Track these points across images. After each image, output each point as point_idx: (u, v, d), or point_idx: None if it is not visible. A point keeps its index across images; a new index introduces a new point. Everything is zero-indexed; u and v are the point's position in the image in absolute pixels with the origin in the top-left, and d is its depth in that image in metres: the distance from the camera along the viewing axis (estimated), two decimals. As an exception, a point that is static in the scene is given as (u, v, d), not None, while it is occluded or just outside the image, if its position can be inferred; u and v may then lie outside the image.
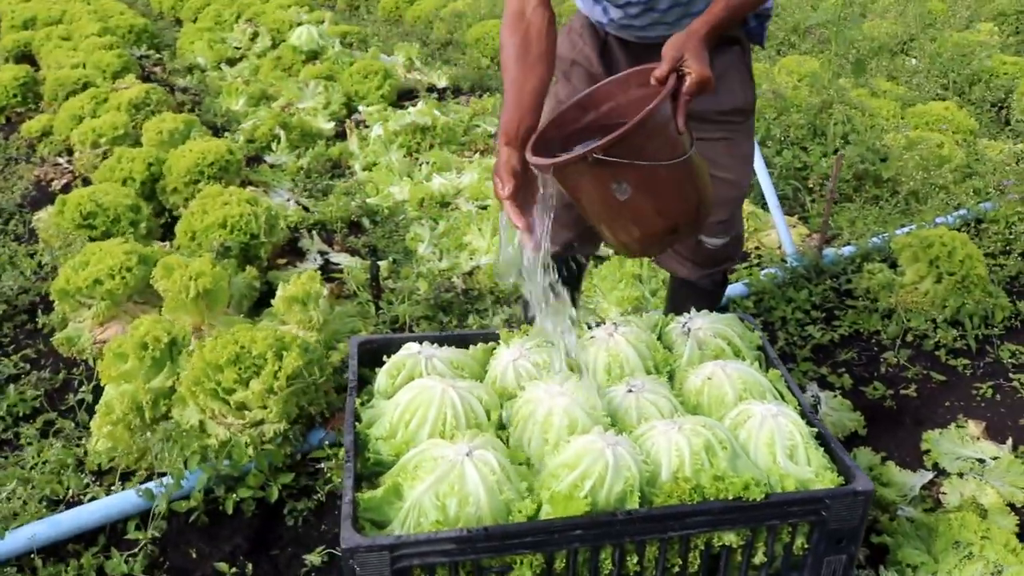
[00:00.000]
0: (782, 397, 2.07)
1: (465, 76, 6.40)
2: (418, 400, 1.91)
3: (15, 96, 5.64)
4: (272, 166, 4.79)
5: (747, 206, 4.05)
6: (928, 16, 8.43)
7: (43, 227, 3.72)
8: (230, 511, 2.34)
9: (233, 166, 4.05)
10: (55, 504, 2.37)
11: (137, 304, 3.10)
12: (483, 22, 7.37)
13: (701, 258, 2.40)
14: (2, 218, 4.11)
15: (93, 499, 2.35)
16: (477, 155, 4.90)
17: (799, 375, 3.00)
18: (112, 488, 2.41)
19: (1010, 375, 3.04)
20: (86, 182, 4.29)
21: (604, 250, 3.49)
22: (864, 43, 7.25)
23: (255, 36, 7.02)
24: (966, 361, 3.11)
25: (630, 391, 1.97)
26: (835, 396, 2.88)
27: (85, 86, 5.32)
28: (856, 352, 3.17)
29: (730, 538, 1.78)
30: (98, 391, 2.74)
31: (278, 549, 2.30)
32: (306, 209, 4.21)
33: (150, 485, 2.32)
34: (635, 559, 1.75)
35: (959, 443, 2.66)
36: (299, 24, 6.83)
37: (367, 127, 5.26)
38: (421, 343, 2.15)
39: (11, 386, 2.85)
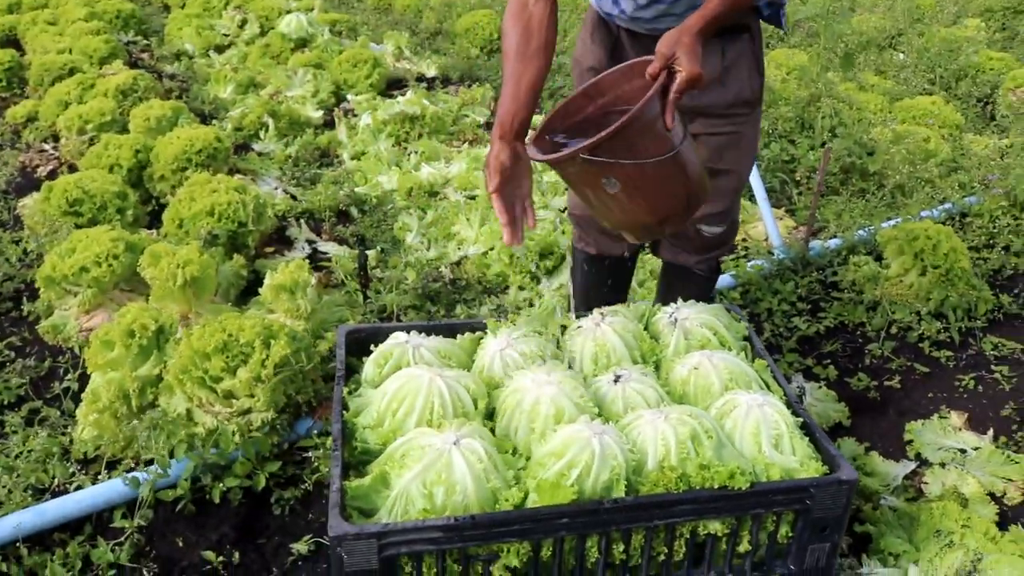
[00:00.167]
0: (768, 387, 2.08)
1: (454, 66, 6.38)
2: (405, 389, 1.92)
3: (0, 81, 5.59)
4: (260, 154, 4.77)
5: (735, 198, 4.06)
6: (916, 11, 8.47)
7: (28, 214, 3.69)
8: (217, 500, 2.34)
9: (221, 154, 4.03)
10: (40, 493, 2.36)
11: (124, 292, 3.09)
12: (473, 12, 7.34)
13: (698, 245, 2.42)
14: (-13, 205, 4.08)
15: (79, 488, 2.35)
16: (466, 145, 4.90)
17: (785, 366, 3.02)
18: (98, 477, 2.40)
19: (992, 367, 3.07)
20: (72, 169, 4.26)
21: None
22: (852, 37, 7.27)
23: (244, 23, 6.97)
24: (949, 353, 3.14)
25: (617, 381, 1.98)
26: (820, 387, 2.90)
27: (71, 71, 5.27)
28: (841, 344, 3.20)
29: (715, 526, 1.80)
30: (84, 379, 2.73)
31: (265, 538, 2.31)
32: (294, 198, 4.20)
33: (136, 474, 2.31)
34: (621, 547, 1.77)
35: (941, 434, 2.69)
36: (288, 12, 6.79)
37: (356, 116, 5.24)
38: (409, 332, 2.16)
39: (-4, 374, 2.84)
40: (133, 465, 2.43)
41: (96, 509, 2.29)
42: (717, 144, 2.24)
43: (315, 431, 2.56)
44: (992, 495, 2.44)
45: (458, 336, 2.23)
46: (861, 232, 3.88)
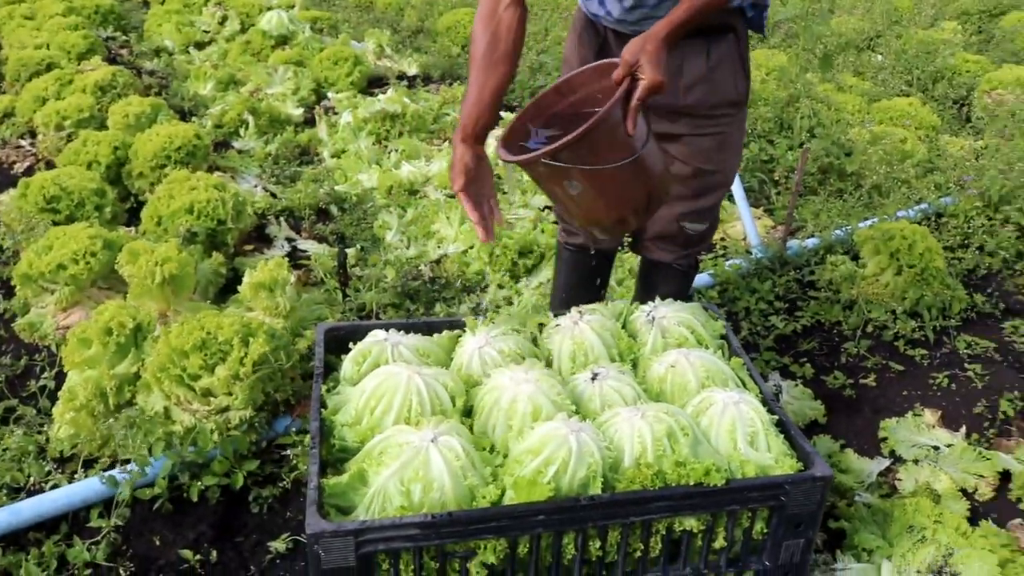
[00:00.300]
0: (744, 385, 2.10)
1: (435, 64, 6.38)
2: (384, 387, 1.92)
3: (-25, 77, 5.54)
4: (240, 152, 4.75)
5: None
6: (894, 13, 8.55)
7: (5, 211, 3.66)
8: (195, 498, 2.34)
9: (200, 151, 4.01)
10: (16, 492, 2.35)
11: (101, 290, 3.07)
12: (455, 10, 7.35)
13: (680, 242, 2.45)
14: (-38, 201, 4.04)
15: (55, 487, 2.34)
16: (446, 143, 4.90)
17: (762, 364, 3.05)
18: (74, 476, 2.39)
19: (965, 365, 3.11)
20: (50, 165, 4.23)
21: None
22: (831, 39, 7.33)
23: (224, 20, 6.94)
24: (924, 351, 3.18)
25: (594, 378, 1.99)
26: (797, 385, 2.93)
27: (49, 67, 5.22)
28: (818, 342, 3.23)
29: (691, 523, 1.81)
30: (61, 377, 2.71)
31: (243, 536, 2.30)
32: (274, 196, 4.19)
33: (114, 472, 2.30)
34: (598, 544, 1.78)
35: (915, 431, 2.72)
36: (269, 8, 6.76)
37: (336, 114, 5.23)
38: (387, 330, 2.16)
39: (-29, 372, 2.82)
40: (110, 464, 2.42)
41: (72, 508, 2.28)
42: (703, 144, 2.26)
43: (293, 429, 2.55)
44: (964, 491, 2.47)
45: (436, 334, 2.23)
46: (838, 232, 3.91)
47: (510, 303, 3.33)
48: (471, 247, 3.63)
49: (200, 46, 6.61)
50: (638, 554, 1.83)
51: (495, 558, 1.71)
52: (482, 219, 2.08)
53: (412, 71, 6.32)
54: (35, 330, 2.96)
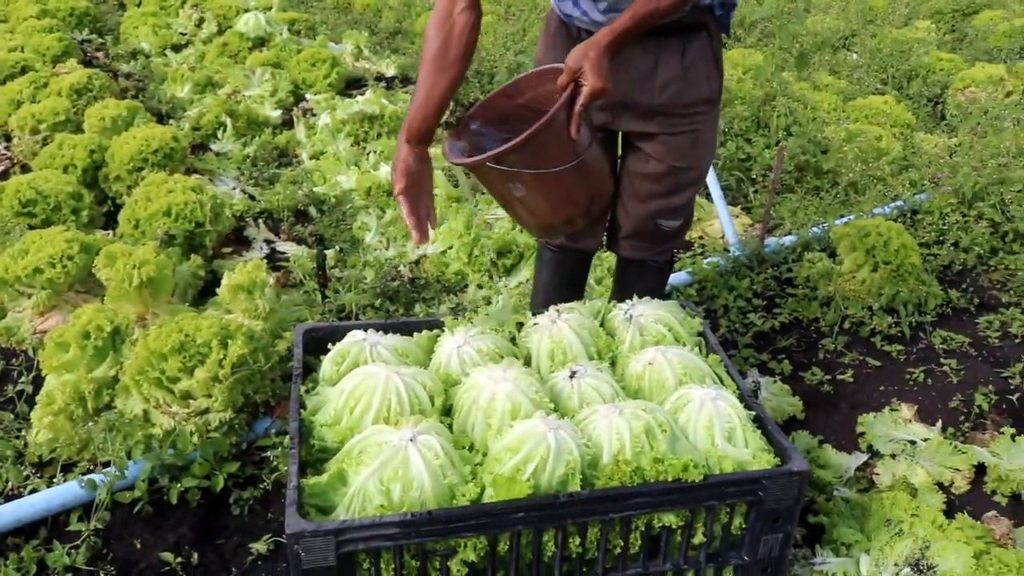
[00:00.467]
0: (721, 381, 2.12)
1: (413, 65, 6.37)
2: (363, 387, 1.92)
3: (-51, 80, 5.48)
4: (218, 154, 4.73)
5: (692, 196, 4.11)
6: (869, 12, 8.63)
7: (-21, 215, 3.63)
8: (175, 501, 2.33)
9: (178, 154, 3.99)
10: (-6, 496, 2.34)
11: (79, 293, 3.05)
12: (432, 11, 7.34)
13: (656, 238, 2.46)
14: (-64, 206, 4.00)
15: (34, 491, 2.32)
16: (426, 144, 4.89)
17: (740, 361, 3.07)
18: (53, 480, 2.38)
19: (941, 360, 3.15)
20: (25, 169, 4.19)
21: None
22: (807, 38, 7.39)
23: (201, 22, 6.90)
24: (900, 347, 3.22)
25: (573, 376, 2.00)
26: (775, 381, 2.96)
27: (24, 70, 5.17)
28: (796, 339, 3.26)
29: (670, 519, 1.82)
30: (38, 382, 2.69)
31: (224, 538, 2.30)
32: (252, 198, 4.17)
33: (93, 476, 2.29)
34: (577, 541, 1.79)
35: (892, 426, 2.76)
36: (246, 10, 6.73)
37: (314, 115, 5.22)
38: (366, 331, 2.16)
39: (-53, 377, 2.80)
40: (89, 467, 2.41)
41: (51, 512, 2.27)
42: (677, 142, 2.28)
43: (273, 431, 2.55)
44: (940, 484, 2.51)
45: (416, 334, 2.24)
46: (815, 229, 3.95)
47: (489, 303, 3.33)
48: (450, 247, 3.63)
49: (177, 48, 6.57)
50: (618, 550, 1.84)
51: (475, 556, 1.72)
52: (419, 223, 2.12)
53: (390, 72, 6.32)
54: (12, 334, 2.94)
